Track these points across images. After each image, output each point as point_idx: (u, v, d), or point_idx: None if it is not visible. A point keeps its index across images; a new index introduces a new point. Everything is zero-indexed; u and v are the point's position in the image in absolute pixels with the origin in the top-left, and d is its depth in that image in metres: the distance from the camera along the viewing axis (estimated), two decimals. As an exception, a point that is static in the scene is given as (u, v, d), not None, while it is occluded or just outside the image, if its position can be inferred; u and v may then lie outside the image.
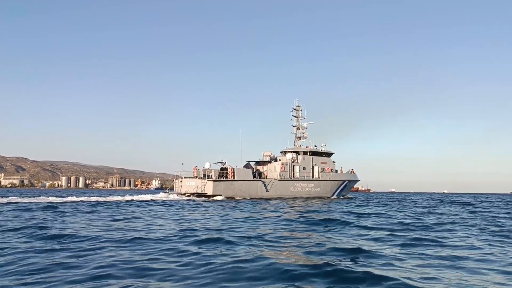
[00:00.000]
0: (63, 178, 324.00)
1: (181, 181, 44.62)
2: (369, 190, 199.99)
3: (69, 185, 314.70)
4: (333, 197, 52.54)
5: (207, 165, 45.10)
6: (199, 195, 41.75)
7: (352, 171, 57.41)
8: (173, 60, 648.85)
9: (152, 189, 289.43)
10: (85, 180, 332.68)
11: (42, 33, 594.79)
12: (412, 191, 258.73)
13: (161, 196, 41.83)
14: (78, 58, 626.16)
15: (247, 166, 48.01)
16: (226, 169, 44.50)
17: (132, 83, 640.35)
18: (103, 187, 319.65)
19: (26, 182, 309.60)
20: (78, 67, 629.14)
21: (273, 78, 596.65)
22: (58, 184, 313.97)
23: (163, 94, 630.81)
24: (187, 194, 42.41)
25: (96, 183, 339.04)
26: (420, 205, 34.03)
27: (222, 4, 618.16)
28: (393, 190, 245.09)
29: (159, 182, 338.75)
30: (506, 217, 19.63)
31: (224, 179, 43.21)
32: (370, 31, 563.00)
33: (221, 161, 45.25)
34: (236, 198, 42.28)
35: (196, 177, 43.86)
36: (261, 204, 30.73)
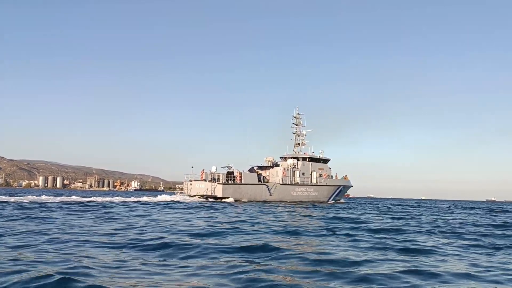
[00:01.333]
0: (40, 177, 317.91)
1: (191, 184, 46.66)
2: (348, 195, 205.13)
3: (46, 185, 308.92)
4: (329, 202, 55.56)
5: (213, 169, 47.34)
6: (208, 197, 44.01)
7: (346, 177, 60.66)
8: (156, 61, 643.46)
9: (131, 190, 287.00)
10: (63, 180, 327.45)
11: (21, 28, 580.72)
12: (390, 197, 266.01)
13: (173, 197, 43.75)
14: (57, 56, 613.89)
15: (252, 170, 50.50)
16: (232, 173, 46.87)
17: (112, 83, 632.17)
18: (81, 187, 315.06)
19: (1, 181, 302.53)
20: (57, 65, 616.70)
21: (254, 82, 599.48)
22: (35, 183, 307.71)
23: (144, 95, 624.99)
24: (197, 196, 44.55)
25: (74, 183, 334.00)
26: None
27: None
28: (371, 195, 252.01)
29: (139, 183, 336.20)
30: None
31: (233, 183, 45.59)
32: (351, 38, 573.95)
33: (227, 165, 47.61)
34: (243, 200, 44.73)
35: (205, 180, 46.04)
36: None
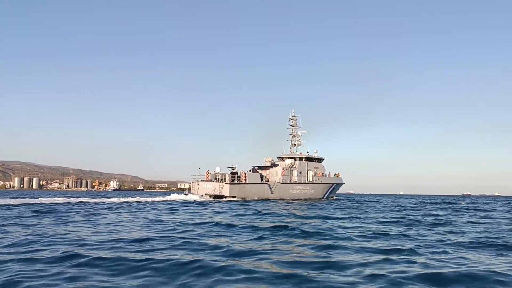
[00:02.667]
0: (16, 178, 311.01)
1: (198, 184, 48.92)
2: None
3: (22, 186, 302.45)
4: (323, 198, 58.88)
5: (217, 169, 49.86)
6: (216, 196, 46.46)
7: (338, 175, 64.09)
8: (133, 59, 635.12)
9: (110, 190, 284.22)
10: (39, 181, 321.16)
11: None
12: (369, 193, 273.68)
13: (183, 197, 45.79)
14: (31, 55, 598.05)
15: (254, 170, 53.20)
16: (236, 173, 49.48)
17: (89, 81, 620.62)
18: (58, 188, 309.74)
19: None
20: (30, 63, 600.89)
21: (233, 81, 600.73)
22: (10, 185, 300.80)
23: (121, 93, 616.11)
24: (206, 195, 46.90)
25: (51, 184, 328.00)
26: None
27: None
28: (351, 191, 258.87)
29: (117, 183, 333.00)
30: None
31: (238, 183, 48.20)
32: (330, 36, 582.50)
33: (231, 166, 50.14)
34: (248, 199, 47.35)
35: (211, 180, 48.43)
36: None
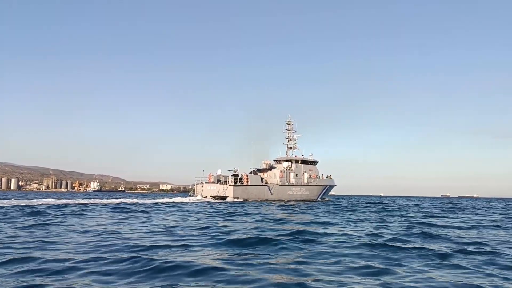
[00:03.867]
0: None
1: (202, 186, 50.94)
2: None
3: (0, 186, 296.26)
4: (317, 199, 61.68)
5: (219, 172, 52.03)
6: (220, 197, 48.58)
7: (330, 177, 67.05)
8: (114, 58, 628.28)
9: (90, 191, 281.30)
10: (18, 181, 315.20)
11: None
12: (350, 194, 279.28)
13: (190, 199, 47.63)
14: (10, 53, 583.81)
15: (254, 173, 55.53)
16: (237, 175, 51.72)
17: (68, 81, 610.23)
18: (37, 189, 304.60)
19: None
20: (9, 62, 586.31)
21: (217, 81, 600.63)
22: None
23: (101, 93, 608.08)
24: (210, 196, 48.96)
25: (30, 184, 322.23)
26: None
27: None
28: (332, 192, 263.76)
29: (98, 184, 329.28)
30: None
31: (241, 185, 50.47)
32: (319, 37, 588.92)
33: (233, 169, 52.33)
34: (250, 200, 49.64)
35: (214, 183, 50.55)
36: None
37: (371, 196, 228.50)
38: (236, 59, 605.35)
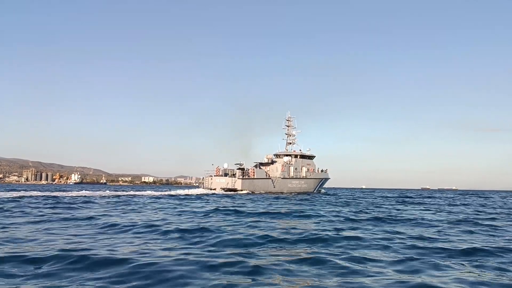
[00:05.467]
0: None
1: (211, 179, 53.97)
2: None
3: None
4: (314, 191, 65.60)
5: (225, 165, 55.23)
6: (229, 189, 51.78)
7: (326, 171, 71.02)
8: (93, 48, 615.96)
9: (71, 183, 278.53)
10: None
11: None
12: (333, 186, 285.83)
13: (200, 191, 50.55)
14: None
15: (258, 166, 58.86)
16: (243, 169, 54.97)
17: (47, 70, 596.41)
18: (17, 181, 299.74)
19: None
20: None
21: (197, 73, 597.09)
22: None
23: (81, 83, 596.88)
24: (220, 189, 52.09)
25: (8, 177, 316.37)
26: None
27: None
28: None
29: (79, 176, 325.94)
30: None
31: (248, 177, 53.79)
32: (303, 31, 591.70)
33: (239, 163, 55.50)
34: (256, 193, 52.99)
35: (222, 176, 53.73)
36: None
37: (352, 188, 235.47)
38: (217, 49, 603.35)
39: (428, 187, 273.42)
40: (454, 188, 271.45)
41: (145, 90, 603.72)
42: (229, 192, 49.76)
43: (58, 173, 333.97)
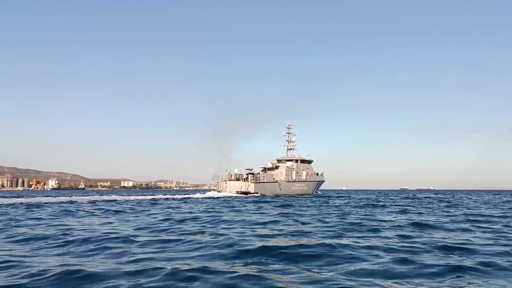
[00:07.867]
0: None
1: (225, 183, 59.05)
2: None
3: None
4: (312, 193, 71.45)
5: (236, 171, 60.54)
6: (242, 192, 56.92)
7: (322, 174, 77.00)
8: (70, 49, 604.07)
9: (48, 189, 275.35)
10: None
11: None
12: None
13: (214, 194, 55.41)
14: None
15: (265, 171, 64.16)
16: (253, 173, 60.24)
17: (24, 72, 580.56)
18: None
19: None
20: None
21: (180, 77, 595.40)
22: None
23: (58, 85, 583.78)
24: (236, 192, 57.17)
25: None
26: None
27: None
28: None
29: (57, 182, 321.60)
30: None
31: (259, 181, 59.13)
32: (286, 35, 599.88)
33: (249, 168, 60.85)
34: (266, 195, 58.26)
35: (235, 180, 58.96)
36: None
37: (332, 190, 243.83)
38: (197, 53, 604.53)
39: (406, 187, 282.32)
40: (432, 188, 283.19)
41: (124, 94, 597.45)
42: (242, 195, 54.93)
43: (35, 179, 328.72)
